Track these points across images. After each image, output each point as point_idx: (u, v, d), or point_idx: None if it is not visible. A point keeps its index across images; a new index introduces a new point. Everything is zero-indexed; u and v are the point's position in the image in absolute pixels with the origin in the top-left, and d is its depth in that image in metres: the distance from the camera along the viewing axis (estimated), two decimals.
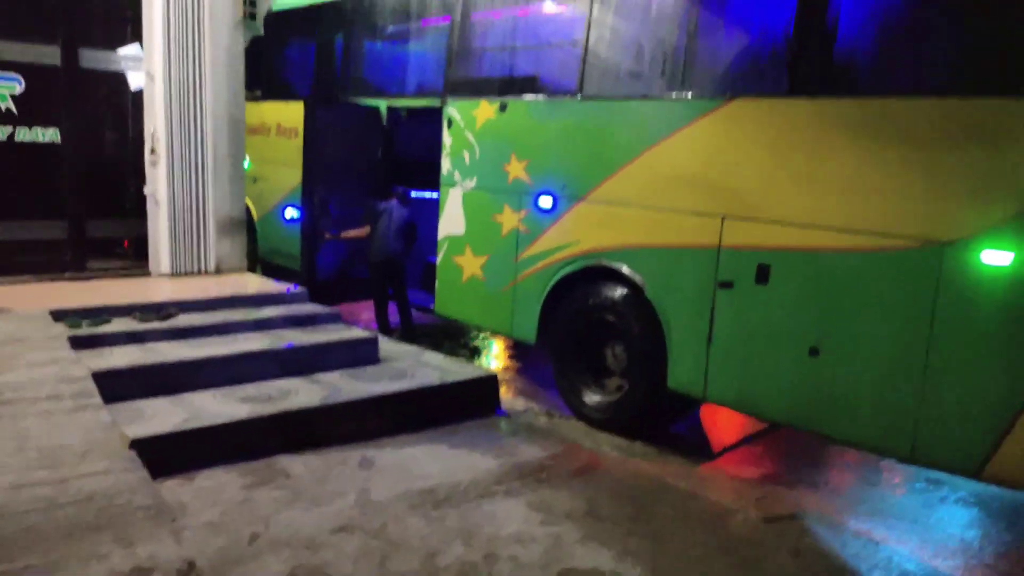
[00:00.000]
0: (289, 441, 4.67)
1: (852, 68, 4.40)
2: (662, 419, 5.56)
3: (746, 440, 5.73)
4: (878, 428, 4.18)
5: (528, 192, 6.07)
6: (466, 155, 6.60)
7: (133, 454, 3.72)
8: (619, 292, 5.47)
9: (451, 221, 6.78)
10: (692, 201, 4.98)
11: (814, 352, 4.40)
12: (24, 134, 6.88)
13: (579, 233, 5.71)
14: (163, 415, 4.56)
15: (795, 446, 5.59)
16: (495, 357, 7.69)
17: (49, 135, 6.96)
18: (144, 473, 3.60)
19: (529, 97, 6.11)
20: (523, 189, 6.11)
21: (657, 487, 4.61)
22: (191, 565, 2.94)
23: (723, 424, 6.05)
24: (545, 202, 5.94)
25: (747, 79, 4.82)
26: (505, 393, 6.09)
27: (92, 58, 7.16)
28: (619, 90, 5.51)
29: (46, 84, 6.95)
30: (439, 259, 6.94)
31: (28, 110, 6.89)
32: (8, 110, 6.83)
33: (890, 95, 4.15)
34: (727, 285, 4.79)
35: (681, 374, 5.09)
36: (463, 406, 5.51)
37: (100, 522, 3.20)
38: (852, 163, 4.22)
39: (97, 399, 4.22)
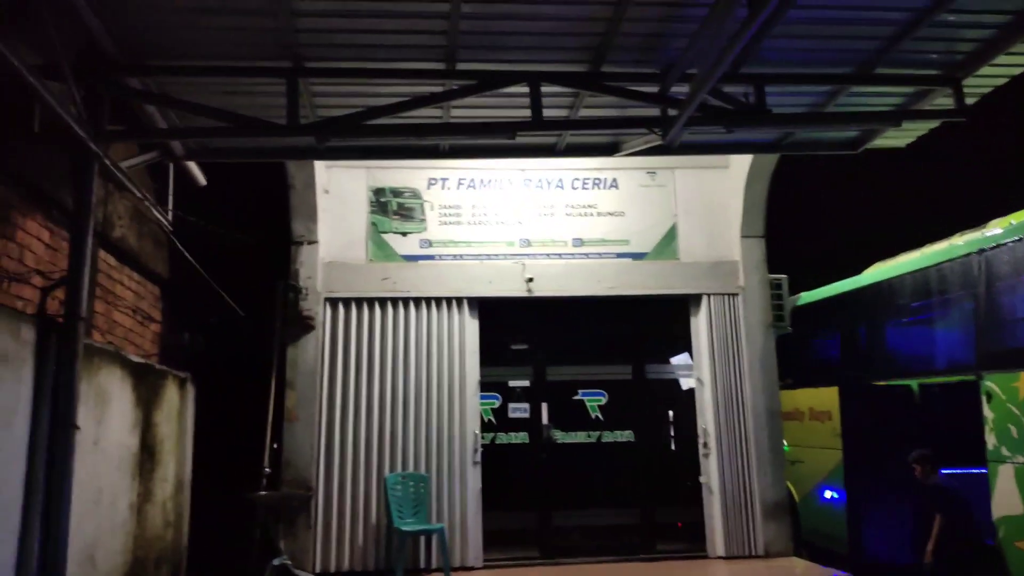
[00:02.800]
0: None
1: None
2: None
3: None
4: None
5: None
6: (1012, 429, 6.23)
7: None
8: None
9: (1006, 500, 6.28)
10: None
11: None
12: (607, 436, 8.73)
13: None
14: None
15: None
16: None
17: (625, 436, 8.68)
18: None
19: None
20: None
21: None
22: None
23: None
24: None
25: None
26: None
27: (654, 370, 8.94)
28: None
29: (622, 395, 8.88)
30: (999, 541, 6.35)
31: (610, 416, 8.82)
32: (596, 418, 8.82)
33: None
34: None
35: None
36: None
37: None
38: None
39: None
